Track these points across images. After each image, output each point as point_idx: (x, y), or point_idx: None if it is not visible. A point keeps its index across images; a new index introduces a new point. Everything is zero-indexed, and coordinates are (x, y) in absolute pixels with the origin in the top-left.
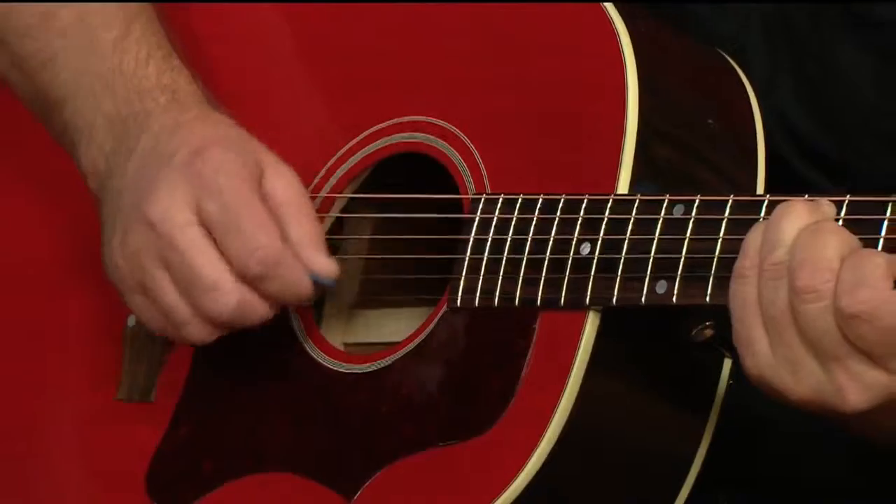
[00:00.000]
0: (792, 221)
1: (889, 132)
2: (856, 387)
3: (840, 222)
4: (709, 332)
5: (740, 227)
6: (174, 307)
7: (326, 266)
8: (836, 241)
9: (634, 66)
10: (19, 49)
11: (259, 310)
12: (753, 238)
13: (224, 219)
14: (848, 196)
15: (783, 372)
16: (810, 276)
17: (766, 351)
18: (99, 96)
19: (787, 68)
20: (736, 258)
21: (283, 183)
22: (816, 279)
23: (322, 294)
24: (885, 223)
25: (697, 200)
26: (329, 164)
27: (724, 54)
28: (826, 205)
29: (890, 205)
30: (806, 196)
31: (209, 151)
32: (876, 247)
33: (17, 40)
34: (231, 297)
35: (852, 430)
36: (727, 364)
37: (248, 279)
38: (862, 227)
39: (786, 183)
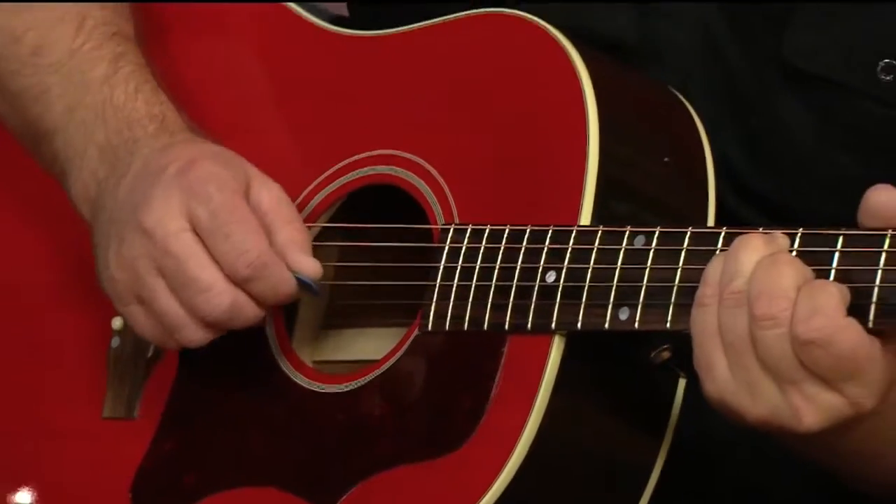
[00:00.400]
0: (750, 253)
1: (828, 177)
2: (811, 408)
3: (794, 254)
4: (666, 355)
5: (697, 257)
6: (170, 311)
7: (311, 266)
8: (791, 272)
9: (595, 102)
10: (11, 85)
11: (249, 310)
12: (714, 268)
13: (214, 225)
14: (801, 229)
15: (742, 394)
16: (768, 305)
17: (726, 375)
18: (90, 127)
19: (728, 114)
20: (694, 287)
21: (269, 193)
22: (774, 307)
23: (307, 296)
24: (836, 255)
25: (657, 232)
26: (304, 193)
27: (677, 93)
28: (781, 237)
29: (840, 237)
30: (761, 229)
31: (199, 164)
32: (828, 277)
33: (9, 77)
34: (224, 298)
35: (806, 454)
36: (682, 384)
37: (239, 281)
38: (814, 259)
39: (728, 222)
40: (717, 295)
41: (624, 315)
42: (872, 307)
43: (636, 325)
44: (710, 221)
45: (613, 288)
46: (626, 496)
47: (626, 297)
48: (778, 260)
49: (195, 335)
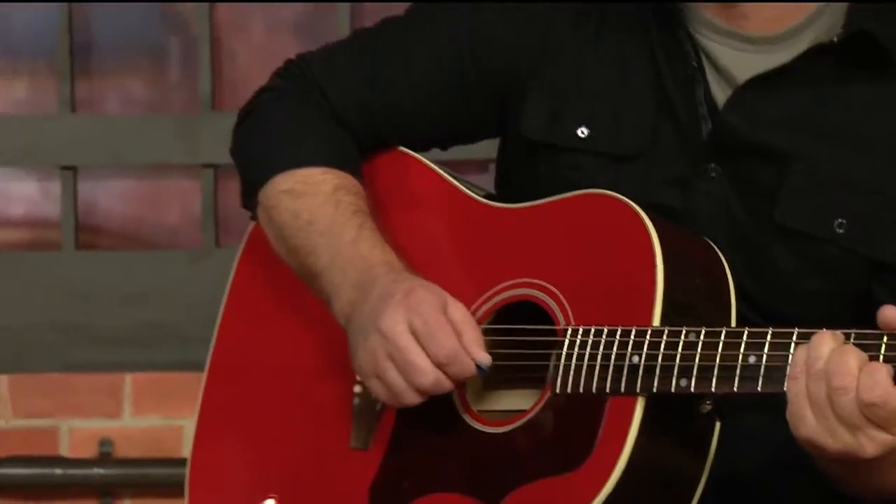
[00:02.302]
0: (827, 344)
1: (804, 293)
2: (871, 444)
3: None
4: (709, 407)
5: (729, 348)
6: (396, 384)
7: (485, 358)
8: (855, 357)
9: (661, 251)
10: (291, 243)
11: (446, 384)
12: (799, 354)
13: (425, 330)
14: (854, 330)
15: (825, 437)
16: (841, 380)
17: (813, 423)
18: (345, 271)
19: (741, 254)
20: (730, 365)
21: (458, 310)
22: (846, 381)
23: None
24: (883, 345)
25: (703, 331)
26: (471, 308)
27: (710, 242)
28: (842, 334)
29: (884, 336)
30: (823, 329)
31: (415, 292)
32: (878, 360)
33: (291, 237)
34: (430, 377)
35: (852, 483)
36: (718, 425)
37: (439, 366)
38: (865, 348)
39: (741, 324)
40: (804, 372)
41: (683, 383)
42: None
43: (692, 389)
44: (733, 323)
45: (676, 366)
46: (682, 500)
47: (684, 372)
48: (845, 349)
49: (412, 399)
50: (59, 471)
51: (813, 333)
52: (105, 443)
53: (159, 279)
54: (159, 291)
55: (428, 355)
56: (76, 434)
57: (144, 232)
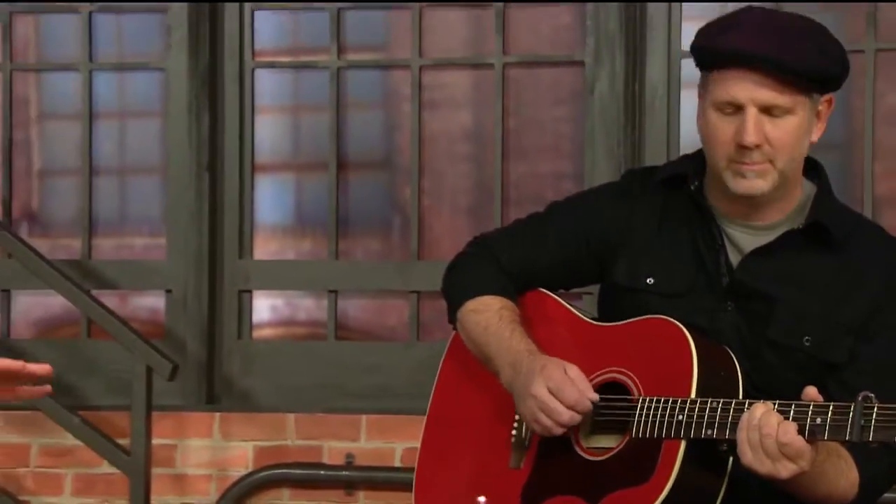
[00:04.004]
0: (759, 409)
1: (785, 379)
2: (785, 469)
3: (776, 408)
4: (725, 447)
5: (738, 410)
6: (547, 424)
7: (595, 397)
8: (775, 417)
9: (696, 352)
10: (476, 341)
11: (576, 418)
12: (745, 415)
13: (557, 387)
14: (777, 402)
15: (756, 464)
16: (768, 430)
17: (750, 456)
18: (505, 358)
19: (746, 359)
20: (737, 422)
21: (573, 370)
22: (769, 430)
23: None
24: (792, 411)
25: (721, 401)
26: None
27: (727, 348)
28: (770, 404)
29: (793, 405)
30: (761, 401)
31: (547, 366)
32: (789, 418)
33: (476, 338)
34: (566, 415)
35: (790, 489)
36: (731, 459)
37: (570, 407)
38: (783, 412)
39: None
40: (746, 426)
41: (709, 432)
42: (807, 431)
43: (714, 436)
44: (741, 396)
45: (704, 422)
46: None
47: (710, 425)
48: (770, 413)
49: (558, 431)
50: (322, 472)
51: (753, 403)
52: (349, 455)
53: (386, 357)
54: (386, 364)
55: (561, 402)
56: (333, 451)
57: (377, 330)
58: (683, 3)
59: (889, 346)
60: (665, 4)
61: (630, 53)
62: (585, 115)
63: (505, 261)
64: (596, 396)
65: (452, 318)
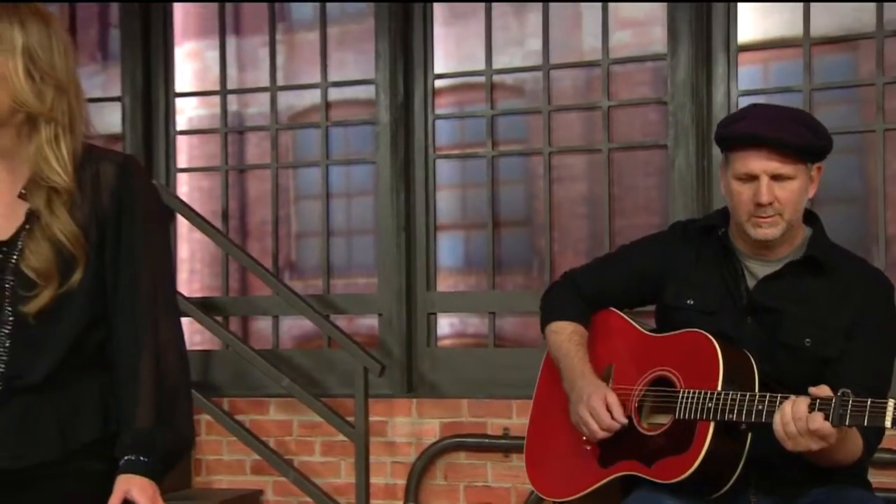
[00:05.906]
0: (790, 403)
1: (794, 372)
2: (814, 444)
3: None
4: (744, 426)
5: (751, 401)
6: (592, 428)
7: (623, 420)
8: (804, 406)
9: (721, 355)
10: (554, 356)
11: (609, 434)
12: (783, 406)
13: (594, 410)
14: (809, 396)
15: (787, 442)
16: (798, 416)
17: (783, 435)
18: (567, 374)
19: (764, 368)
20: (750, 409)
21: (612, 397)
22: (800, 416)
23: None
24: (817, 404)
25: (749, 394)
26: (634, 388)
27: (746, 352)
28: (803, 397)
29: (814, 398)
30: (792, 396)
31: (591, 396)
32: (814, 410)
33: (554, 354)
34: (600, 434)
35: (816, 459)
36: (749, 435)
37: (603, 429)
38: (814, 404)
39: (761, 391)
40: (784, 414)
41: (732, 416)
42: (830, 418)
43: (735, 418)
44: (756, 389)
45: (727, 408)
46: (728, 475)
47: (731, 411)
48: (799, 401)
49: (601, 435)
50: (486, 440)
51: (787, 398)
52: (506, 429)
53: (529, 359)
54: (529, 364)
55: (597, 424)
56: (494, 425)
57: (523, 340)
58: (740, 98)
59: (867, 344)
60: (726, 102)
61: (699, 139)
62: (668, 183)
63: (584, 288)
64: (625, 421)
65: (543, 333)
